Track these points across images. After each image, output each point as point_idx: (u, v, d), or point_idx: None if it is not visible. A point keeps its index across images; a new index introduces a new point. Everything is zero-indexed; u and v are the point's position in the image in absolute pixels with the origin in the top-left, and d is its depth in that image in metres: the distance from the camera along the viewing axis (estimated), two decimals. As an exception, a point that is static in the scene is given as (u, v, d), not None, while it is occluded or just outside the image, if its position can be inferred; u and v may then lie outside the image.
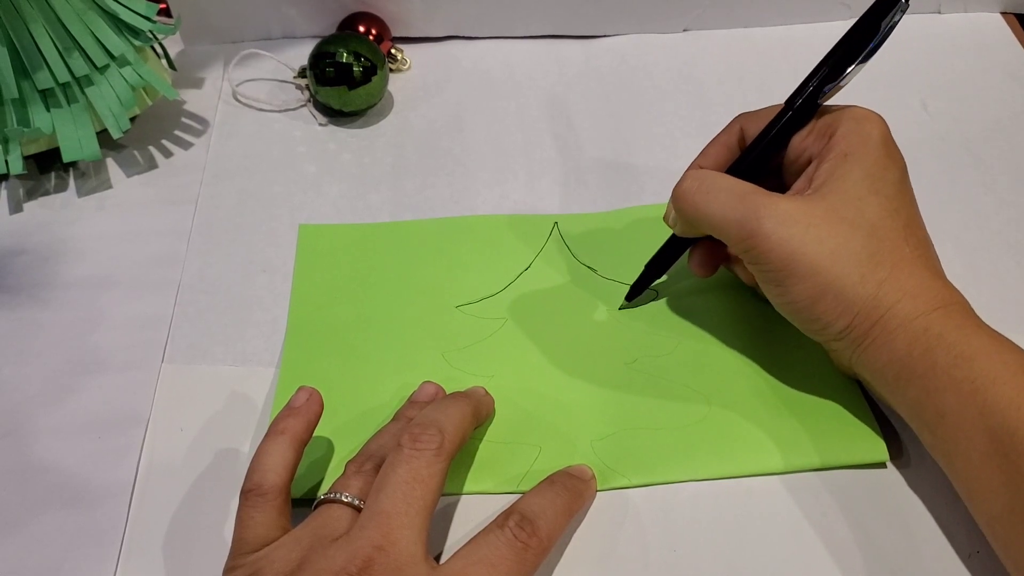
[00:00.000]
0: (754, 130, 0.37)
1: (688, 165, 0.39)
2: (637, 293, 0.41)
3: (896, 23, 0.34)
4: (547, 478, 0.34)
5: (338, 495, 0.31)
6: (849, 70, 0.34)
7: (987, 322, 0.33)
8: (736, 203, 0.34)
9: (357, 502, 0.31)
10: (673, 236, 0.40)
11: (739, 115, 0.39)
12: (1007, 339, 0.32)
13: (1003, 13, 0.57)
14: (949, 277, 0.34)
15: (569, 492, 0.33)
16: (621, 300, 0.42)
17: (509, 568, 0.29)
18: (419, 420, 0.32)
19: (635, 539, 0.34)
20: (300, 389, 0.35)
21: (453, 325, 0.41)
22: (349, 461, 0.33)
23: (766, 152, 0.37)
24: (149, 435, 0.38)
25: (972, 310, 0.33)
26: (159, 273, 0.44)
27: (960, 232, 0.45)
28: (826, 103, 0.36)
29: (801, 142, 0.36)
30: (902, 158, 0.35)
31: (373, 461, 0.33)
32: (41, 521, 0.35)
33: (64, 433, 0.38)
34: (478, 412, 0.35)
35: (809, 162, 0.36)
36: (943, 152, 0.49)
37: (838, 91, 0.35)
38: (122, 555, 0.34)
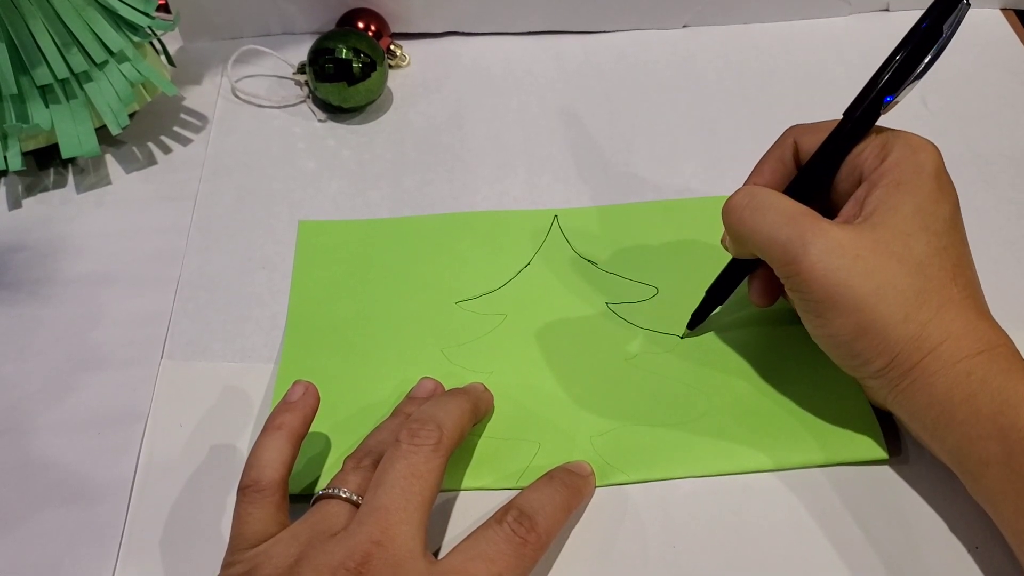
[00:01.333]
0: (810, 144, 0.35)
1: (743, 182, 0.37)
2: (699, 320, 0.40)
3: (959, 23, 0.31)
4: (546, 474, 0.34)
5: (336, 491, 0.31)
6: (913, 76, 0.32)
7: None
8: (784, 224, 0.33)
9: (355, 498, 0.31)
10: (732, 260, 0.38)
11: (791, 127, 0.37)
12: None
13: (1003, 9, 0.57)
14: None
15: (568, 488, 0.33)
16: (620, 294, 0.42)
17: (507, 563, 0.29)
18: (417, 416, 0.32)
19: (634, 535, 0.34)
20: (296, 383, 0.35)
21: (453, 321, 0.41)
22: (347, 457, 0.33)
23: (826, 169, 0.35)
24: (148, 431, 0.38)
25: (1019, 353, 0.32)
26: (158, 269, 0.44)
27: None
28: (879, 123, 0.34)
29: (854, 158, 0.34)
30: (955, 192, 0.33)
31: (371, 457, 0.33)
32: (41, 517, 0.35)
33: (64, 429, 0.38)
34: (477, 408, 0.35)
35: (860, 182, 0.34)
36: (943, 148, 0.49)
37: (897, 104, 0.33)
38: (121, 551, 0.34)
